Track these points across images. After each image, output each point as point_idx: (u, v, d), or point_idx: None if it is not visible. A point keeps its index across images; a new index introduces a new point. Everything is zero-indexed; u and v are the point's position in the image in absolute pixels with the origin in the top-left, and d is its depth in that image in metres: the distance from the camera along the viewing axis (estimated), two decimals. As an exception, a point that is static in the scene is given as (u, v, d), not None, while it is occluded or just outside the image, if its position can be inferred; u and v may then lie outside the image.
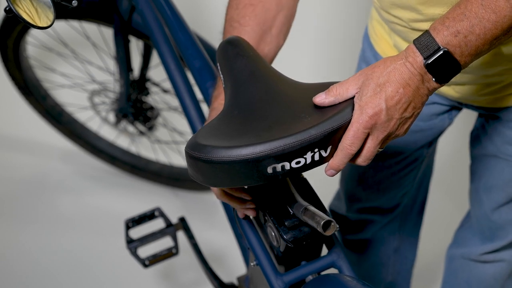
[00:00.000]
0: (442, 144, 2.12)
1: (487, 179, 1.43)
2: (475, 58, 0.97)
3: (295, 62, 2.58)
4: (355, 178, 1.58)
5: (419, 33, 1.15)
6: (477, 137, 1.42)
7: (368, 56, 1.44)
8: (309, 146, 0.95)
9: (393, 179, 1.54)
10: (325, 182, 1.81)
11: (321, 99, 1.00)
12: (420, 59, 0.95)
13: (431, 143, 1.50)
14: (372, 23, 1.42)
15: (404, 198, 1.62)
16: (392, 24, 1.26)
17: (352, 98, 0.99)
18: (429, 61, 0.94)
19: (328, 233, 0.99)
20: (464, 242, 1.61)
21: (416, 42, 0.95)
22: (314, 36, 2.76)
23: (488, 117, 1.35)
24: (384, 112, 0.96)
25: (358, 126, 0.96)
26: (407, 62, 0.95)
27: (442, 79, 0.96)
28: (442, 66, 0.95)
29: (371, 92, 0.96)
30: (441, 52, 0.94)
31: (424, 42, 0.94)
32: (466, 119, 2.04)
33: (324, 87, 1.04)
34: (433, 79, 0.96)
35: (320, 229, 0.98)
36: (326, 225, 0.98)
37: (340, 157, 0.99)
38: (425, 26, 1.14)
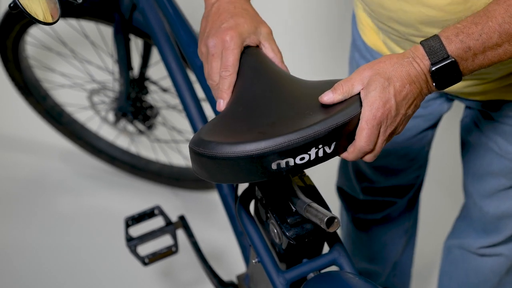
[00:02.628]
0: (439, 134, 2.13)
1: (476, 168, 1.44)
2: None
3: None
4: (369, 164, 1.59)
5: (412, 43, 1.17)
6: (467, 127, 1.43)
7: (359, 45, 1.44)
8: (313, 142, 0.95)
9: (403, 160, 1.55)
10: (326, 179, 1.81)
11: (329, 97, 0.99)
12: (427, 63, 0.96)
13: (435, 125, 1.51)
14: (358, 12, 1.41)
15: (418, 180, 1.64)
16: (386, 32, 1.26)
17: (357, 94, 0.99)
18: (436, 67, 0.96)
19: (332, 229, 0.99)
20: (461, 233, 1.62)
21: (425, 45, 0.96)
22: (302, 26, 2.76)
23: (478, 109, 1.36)
24: (394, 106, 0.97)
25: (372, 123, 0.97)
26: (414, 62, 0.96)
27: (441, 86, 0.98)
28: (445, 74, 0.96)
29: (380, 87, 0.96)
30: (449, 61, 0.95)
31: (434, 47, 0.95)
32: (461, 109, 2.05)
33: (328, 84, 1.05)
34: (433, 84, 0.97)
35: (323, 226, 0.99)
36: (330, 221, 0.99)
37: (356, 154, 1.00)
38: (420, 39, 1.17)
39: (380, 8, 1.19)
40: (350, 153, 1.00)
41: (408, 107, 0.98)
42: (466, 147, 1.45)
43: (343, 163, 1.68)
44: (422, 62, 0.96)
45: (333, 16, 2.71)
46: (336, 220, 0.99)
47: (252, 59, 1.12)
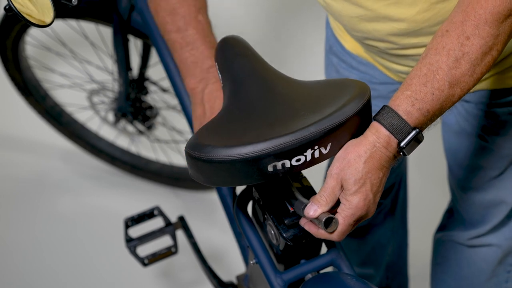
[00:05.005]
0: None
1: (462, 160, 1.44)
2: None
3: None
4: None
5: (393, 56, 1.20)
6: (450, 119, 1.42)
7: (337, 50, 1.44)
8: (309, 143, 0.95)
9: None
10: (322, 180, 1.80)
11: (315, 211, 1.00)
12: (395, 142, 0.97)
13: None
14: (333, 20, 1.41)
15: (397, 178, 1.64)
16: (366, 46, 1.27)
17: (350, 90, 1.00)
18: (404, 142, 0.97)
19: (330, 229, 0.99)
20: (449, 226, 1.63)
21: (385, 124, 0.97)
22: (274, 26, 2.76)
23: (462, 101, 1.36)
24: (372, 200, 0.99)
25: (349, 221, 0.99)
26: (382, 148, 0.97)
27: (410, 151, 0.99)
28: (411, 142, 0.97)
29: (356, 187, 0.97)
30: (414, 132, 0.96)
31: (397, 125, 0.96)
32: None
33: (321, 84, 1.05)
34: (401, 154, 0.99)
35: (321, 226, 0.98)
36: (328, 221, 0.99)
37: (324, 237, 1.02)
38: (400, 51, 1.19)
39: (354, 31, 1.21)
40: (319, 233, 1.02)
41: (381, 190, 1.00)
42: (450, 140, 1.45)
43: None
44: (389, 144, 0.97)
45: (309, 16, 2.72)
46: (334, 220, 0.99)
47: (246, 60, 1.12)
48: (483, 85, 1.27)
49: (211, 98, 1.25)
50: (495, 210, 1.47)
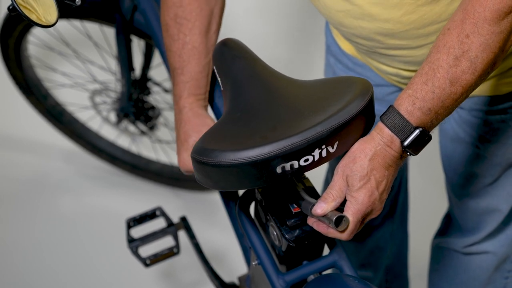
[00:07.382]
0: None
1: (456, 167, 1.44)
2: None
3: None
4: None
5: (380, 55, 1.20)
6: (445, 125, 1.43)
7: (334, 50, 1.45)
8: (317, 143, 0.95)
9: None
10: (321, 181, 1.81)
11: (323, 209, 1.00)
12: (398, 142, 0.98)
13: None
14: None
15: (396, 182, 1.64)
16: (355, 44, 1.27)
17: (353, 88, 1.00)
18: (407, 142, 0.97)
19: (341, 228, 0.99)
20: (446, 232, 1.63)
21: (388, 124, 0.98)
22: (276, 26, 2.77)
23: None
24: (377, 197, 0.99)
25: (357, 217, 0.99)
26: (386, 147, 0.98)
27: (418, 151, 0.99)
28: (417, 142, 0.98)
29: (361, 183, 0.98)
30: (417, 132, 0.97)
31: (398, 125, 0.97)
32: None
33: (323, 83, 1.05)
34: (408, 153, 0.99)
35: (332, 225, 0.98)
36: (338, 220, 0.98)
37: (333, 236, 1.02)
38: (386, 51, 1.19)
39: (341, 26, 1.21)
40: (330, 232, 1.02)
41: (389, 188, 1.01)
42: (446, 146, 1.45)
43: (329, 176, 1.68)
44: (393, 143, 0.98)
45: (308, 18, 2.72)
46: (344, 219, 0.99)
47: (245, 63, 1.12)
48: (476, 91, 1.27)
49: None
50: (489, 217, 1.48)
